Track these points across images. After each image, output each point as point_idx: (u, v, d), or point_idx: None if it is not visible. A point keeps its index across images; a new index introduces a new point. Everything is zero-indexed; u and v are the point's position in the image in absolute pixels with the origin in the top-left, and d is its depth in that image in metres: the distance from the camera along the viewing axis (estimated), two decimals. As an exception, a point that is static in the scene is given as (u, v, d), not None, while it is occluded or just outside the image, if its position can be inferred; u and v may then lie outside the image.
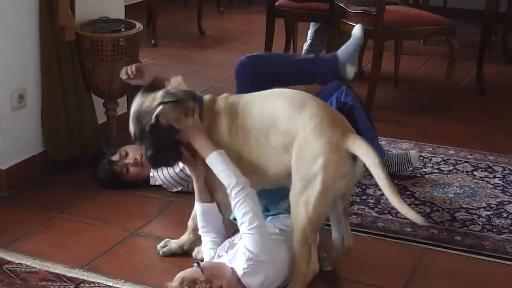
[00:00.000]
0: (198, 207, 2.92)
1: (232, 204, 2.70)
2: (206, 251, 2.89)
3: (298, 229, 2.68)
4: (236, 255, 2.65)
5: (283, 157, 2.72)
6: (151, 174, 3.63)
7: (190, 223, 3.03)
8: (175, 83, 3.00)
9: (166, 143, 2.79)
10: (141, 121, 2.79)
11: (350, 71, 3.64)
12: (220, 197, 2.87)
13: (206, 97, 2.92)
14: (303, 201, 2.65)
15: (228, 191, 2.71)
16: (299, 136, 2.67)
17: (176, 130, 2.78)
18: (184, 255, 3.04)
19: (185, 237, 3.06)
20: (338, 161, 2.63)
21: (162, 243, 3.08)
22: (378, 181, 2.61)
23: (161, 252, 3.06)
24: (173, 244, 3.07)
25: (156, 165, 3.06)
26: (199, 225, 2.92)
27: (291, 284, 2.72)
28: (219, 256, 2.78)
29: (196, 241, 3.01)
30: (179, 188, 3.58)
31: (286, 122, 2.71)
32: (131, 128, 2.85)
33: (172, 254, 3.05)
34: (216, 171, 2.75)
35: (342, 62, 3.62)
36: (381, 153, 3.51)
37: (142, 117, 2.78)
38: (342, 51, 3.67)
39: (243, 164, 2.77)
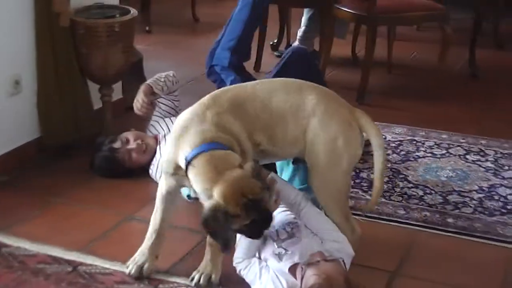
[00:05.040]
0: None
1: (302, 212, 2.77)
2: (248, 273, 2.70)
3: (334, 207, 2.77)
4: (311, 249, 2.62)
5: (295, 147, 2.74)
6: (150, 171, 3.62)
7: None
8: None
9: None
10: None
11: None
12: None
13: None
14: (332, 181, 2.73)
15: (296, 205, 2.77)
16: (311, 121, 2.70)
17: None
18: (176, 240, 3.04)
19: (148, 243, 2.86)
20: (355, 136, 2.75)
21: (134, 268, 2.81)
22: (377, 163, 2.75)
23: (136, 274, 2.81)
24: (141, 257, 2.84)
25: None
26: (242, 251, 2.72)
27: None
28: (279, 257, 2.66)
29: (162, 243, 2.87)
30: None
31: (293, 111, 2.71)
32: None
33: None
34: (280, 194, 2.71)
35: None
36: None
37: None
38: None
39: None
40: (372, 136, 2.77)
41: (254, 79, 3.74)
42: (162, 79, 3.70)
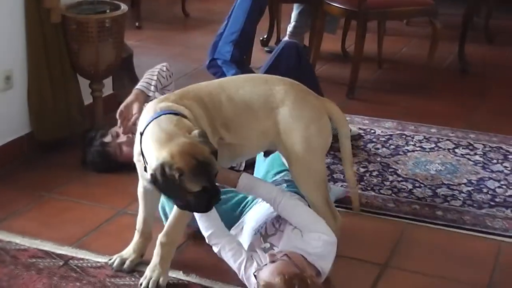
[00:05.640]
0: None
1: (279, 208, 2.71)
2: (230, 258, 2.70)
3: (314, 193, 2.78)
4: (292, 242, 2.64)
5: (265, 138, 2.76)
6: None
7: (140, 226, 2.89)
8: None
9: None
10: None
11: None
12: None
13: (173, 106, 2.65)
14: (310, 168, 2.75)
15: (272, 202, 2.73)
16: (281, 112, 2.72)
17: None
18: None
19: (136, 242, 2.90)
20: (326, 123, 2.79)
21: (117, 261, 2.85)
22: (345, 152, 2.87)
23: (117, 268, 2.84)
24: (126, 253, 2.89)
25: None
26: (205, 231, 2.73)
27: None
28: (264, 249, 2.69)
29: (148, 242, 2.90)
30: None
31: (261, 103, 2.73)
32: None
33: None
34: (252, 193, 2.79)
35: None
36: None
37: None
38: None
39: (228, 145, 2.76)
40: (340, 125, 2.84)
41: (251, 70, 3.78)
42: (154, 78, 3.58)
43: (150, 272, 2.74)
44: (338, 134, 2.85)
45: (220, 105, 2.71)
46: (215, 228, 2.73)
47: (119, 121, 3.30)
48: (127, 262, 2.85)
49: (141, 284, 2.74)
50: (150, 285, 2.71)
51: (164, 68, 3.61)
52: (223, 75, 3.71)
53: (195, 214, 2.71)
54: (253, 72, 3.73)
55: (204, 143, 2.46)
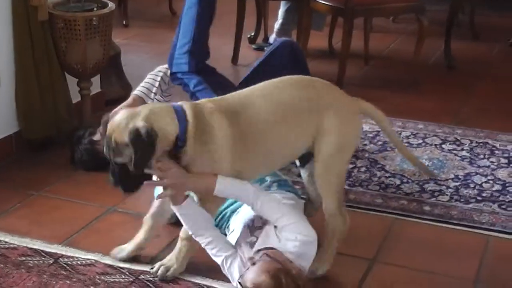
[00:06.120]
0: (178, 211, 2.70)
1: (257, 209, 2.67)
2: (216, 257, 2.72)
3: (332, 195, 2.79)
4: (270, 238, 2.64)
5: (307, 139, 2.76)
6: None
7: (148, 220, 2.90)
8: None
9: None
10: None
11: None
12: (211, 208, 2.76)
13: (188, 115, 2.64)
14: (335, 170, 2.78)
15: (249, 203, 2.69)
16: (327, 113, 2.72)
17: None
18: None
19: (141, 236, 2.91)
20: (360, 125, 2.97)
21: (161, 270, 2.80)
22: (393, 140, 3.05)
23: (118, 257, 2.89)
24: (129, 246, 2.91)
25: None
26: (189, 229, 2.71)
27: (328, 244, 2.83)
28: (246, 245, 2.69)
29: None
30: None
31: (306, 106, 2.73)
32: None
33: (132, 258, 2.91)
34: (229, 196, 2.72)
35: None
36: None
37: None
38: None
39: (254, 160, 2.73)
40: (379, 120, 2.94)
41: (221, 75, 3.72)
42: (156, 85, 3.57)
43: (165, 260, 2.80)
44: (381, 128, 3.03)
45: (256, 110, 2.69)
46: (198, 225, 2.71)
47: (102, 126, 3.26)
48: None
49: (152, 268, 2.79)
50: (159, 272, 2.77)
51: (165, 73, 3.58)
52: (186, 85, 3.60)
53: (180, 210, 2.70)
54: (219, 75, 3.68)
55: None
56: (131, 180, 2.62)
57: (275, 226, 2.68)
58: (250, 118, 2.67)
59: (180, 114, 2.60)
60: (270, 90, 2.76)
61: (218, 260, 2.71)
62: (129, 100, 3.51)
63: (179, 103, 2.68)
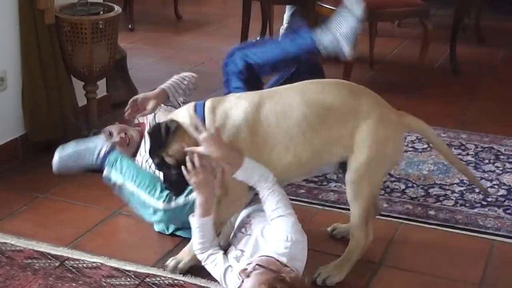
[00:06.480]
0: (196, 222, 2.73)
1: (265, 195, 2.67)
2: (214, 269, 2.72)
3: (360, 206, 2.78)
4: (260, 246, 2.64)
5: (337, 147, 2.74)
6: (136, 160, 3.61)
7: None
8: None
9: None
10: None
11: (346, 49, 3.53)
12: (233, 195, 2.78)
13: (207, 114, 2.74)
14: (367, 182, 2.76)
15: (260, 187, 2.68)
16: (366, 123, 2.71)
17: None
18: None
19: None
20: (402, 141, 2.92)
21: (173, 263, 2.85)
22: (443, 151, 2.99)
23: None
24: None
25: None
26: (197, 242, 2.74)
27: (347, 255, 2.84)
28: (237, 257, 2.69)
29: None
30: None
31: (344, 112, 2.72)
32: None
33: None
34: (252, 174, 2.67)
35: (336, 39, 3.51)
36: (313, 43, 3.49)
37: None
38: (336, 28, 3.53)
39: (279, 161, 2.73)
40: (426, 135, 2.96)
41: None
42: (185, 83, 3.51)
43: (180, 255, 2.85)
44: (434, 146, 3.04)
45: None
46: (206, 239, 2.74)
47: (129, 104, 3.30)
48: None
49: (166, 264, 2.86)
50: (170, 264, 2.83)
51: (191, 80, 3.54)
52: (227, 82, 3.55)
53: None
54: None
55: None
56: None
57: (263, 228, 2.68)
58: (274, 116, 2.70)
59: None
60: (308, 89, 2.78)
61: (216, 274, 2.72)
62: (156, 91, 3.45)
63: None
